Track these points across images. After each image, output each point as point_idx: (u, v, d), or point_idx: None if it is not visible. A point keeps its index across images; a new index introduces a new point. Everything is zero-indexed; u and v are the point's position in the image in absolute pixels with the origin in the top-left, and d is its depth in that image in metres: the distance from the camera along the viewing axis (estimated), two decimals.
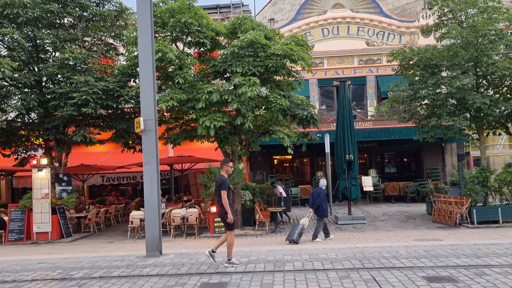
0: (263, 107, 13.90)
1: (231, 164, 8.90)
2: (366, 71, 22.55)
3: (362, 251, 9.40)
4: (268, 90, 14.04)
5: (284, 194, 15.98)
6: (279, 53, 13.19)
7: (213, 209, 13.92)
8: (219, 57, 14.18)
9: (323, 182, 12.62)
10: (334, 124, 17.56)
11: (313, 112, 15.06)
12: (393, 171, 24.24)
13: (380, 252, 9.10)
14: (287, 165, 24.88)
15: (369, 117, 21.78)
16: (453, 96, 14.34)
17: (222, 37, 14.56)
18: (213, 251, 8.50)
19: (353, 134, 15.13)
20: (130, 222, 14.57)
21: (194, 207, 15.69)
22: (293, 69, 14.46)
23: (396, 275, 7.11)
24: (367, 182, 17.36)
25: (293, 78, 14.82)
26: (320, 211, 11.82)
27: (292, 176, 23.06)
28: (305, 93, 20.06)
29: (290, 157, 22.69)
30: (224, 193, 8.16)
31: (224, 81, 13.78)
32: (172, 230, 14.28)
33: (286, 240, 11.57)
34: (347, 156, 14.87)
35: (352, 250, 9.63)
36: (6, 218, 14.86)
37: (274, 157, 23.95)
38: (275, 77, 14.44)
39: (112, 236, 14.95)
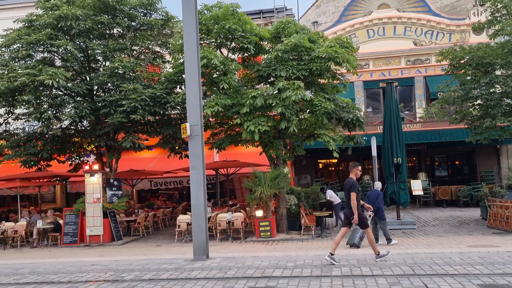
0: (308, 110, 13.80)
1: (359, 167, 9.25)
2: (414, 72, 21.90)
3: (413, 257, 9.09)
4: (312, 93, 13.94)
5: (334, 199, 15.34)
6: (323, 56, 13.07)
7: (258, 213, 13.99)
8: (263, 61, 14.23)
9: (378, 185, 12.61)
10: (381, 126, 17.15)
11: (358, 115, 14.80)
12: (444, 174, 23.35)
13: (431, 259, 8.75)
14: (333, 169, 24.55)
15: (417, 119, 21.11)
16: (508, 96, 13.67)
17: (266, 42, 14.62)
18: (331, 254, 8.63)
19: (401, 136, 14.71)
20: (177, 226, 14.83)
21: (240, 212, 15.77)
22: (338, 71, 14.29)
23: (450, 282, 6.81)
24: (417, 186, 16.77)
25: (338, 81, 14.63)
26: (380, 213, 11.66)
27: (338, 180, 22.72)
28: (351, 96, 19.74)
29: (336, 160, 22.38)
30: (353, 195, 8.61)
31: (268, 85, 13.81)
32: (218, 234, 14.41)
33: (347, 244, 11.35)
34: (395, 159, 14.47)
35: (402, 256, 9.34)
36: (61, 221, 15.54)
37: (319, 161, 23.70)
38: (320, 80, 14.32)
39: (160, 240, 15.28)
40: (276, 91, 12.93)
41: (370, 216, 11.51)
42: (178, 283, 7.68)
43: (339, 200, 15.12)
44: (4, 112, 16.45)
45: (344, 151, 15.48)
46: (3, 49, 15.39)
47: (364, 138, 16.02)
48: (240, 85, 13.90)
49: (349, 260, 8.98)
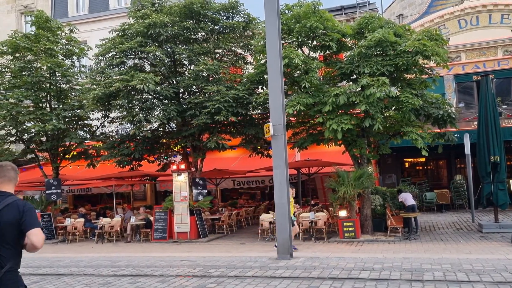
0: (394, 107, 13.27)
1: None
2: None
3: None
4: (398, 89, 13.37)
5: (409, 202, 14.01)
6: (410, 50, 12.49)
7: (342, 213, 13.70)
8: (345, 58, 13.93)
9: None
10: (475, 122, 15.96)
11: (449, 111, 13.92)
12: None
13: None
14: (420, 168, 23.35)
15: None
16: None
17: (348, 39, 14.29)
18: None
19: (498, 133, 13.58)
20: (260, 225, 15.00)
21: (322, 211, 15.57)
22: (426, 66, 13.56)
23: None
24: None
25: (426, 76, 13.88)
26: None
27: (426, 180, 21.56)
28: (440, 91, 18.64)
29: (424, 159, 21.26)
30: None
31: (351, 83, 13.48)
32: (300, 234, 14.34)
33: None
34: (492, 157, 13.39)
35: (502, 261, 8.61)
36: (152, 218, 16.42)
37: (405, 159, 22.67)
38: (406, 75, 13.69)
39: (243, 238, 15.55)
40: (360, 89, 12.59)
41: None
42: (264, 281, 7.74)
43: (412, 203, 14.05)
44: (101, 116, 17.74)
45: (433, 150, 14.64)
46: (100, 57, 16.60)
47: (456, 135, 15.04)
48: (322, 84, 13.73)
49: (442, 264, 8.47)
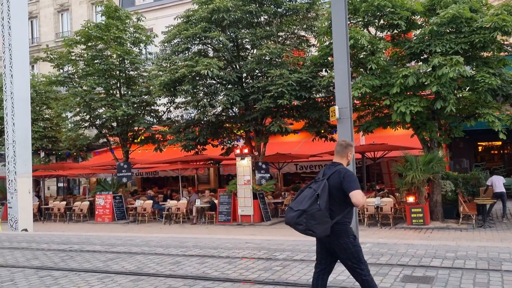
0: (468, 88, 12.50)
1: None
2: None
3: None
4: (473, 69, 12.56)
5: (498, 189, 13.29)
6: (487, 26, 11.65)
7: (410, 199, 13.23)
8: (415, 37, 13.28)
9: None
10: None
11: None
12: None
13: None
14: (496, 152, 21.95)
15: None
16: None
17: (418, 16, 13.58)
18: None
19: None
20: None
21: (388, 197, 15.14)
22: (505, 42, 12.60)
23: None
24: None
25: (506, 53, 12.91)
26: None
27: (503, 165, 20.21)
28: None
29: (500, 143, 19.95)
30: None
31: (421, 63, 12.86)
32: (366, 219, 14.05)
33: None
34: None
35: None
36: (216, 201, 16.79)
37: (479, 143, 21.41)
38: (482, 53, 12.82)
39: None
40: (430, 69, 11.97)
41: None
42: None
43: (501, 190, 13.18)
44: (167, 101, 18.28)
45: None
46: (165, 44, 17.03)
47: None
48: (389, 65, 13.20)
49: None
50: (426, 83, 11.82)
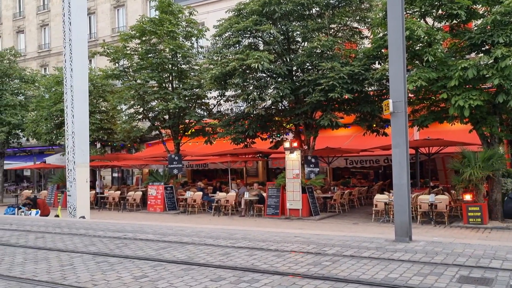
0: None
1: None
2: None
3: None
4: None
5: None
6: None
7: (467, 197, 12.66)
8: (475, 28, 12.62)
9: None
10: None
11: None
12: None
13: None
14: None
15: None
16: None
17: (480, 5, 12.89)
18: None
19: None
20: (374, 205, 14.54)
21: (443, 194, 14.56)
22: None
23: None
24: None
25: None
26: None
27: None
28: None
29: None
30: None
31: (481, 54, 12.22)
32: (419, 217, 13.61)
33: None
34: None
35: None
36: (264, 194, 16.83)
37: None
38: None
39: (356, 218, 15.22)
40: (492, 60, 11.35)
41: None
42: (381, 263, 7.46)
43: None
44: (218, 94, 18.50)
45: None
46: (217, 38, 17.19)
47: None
48: (447, 56, 12.63)
49: None
50: (487, 75, 11.26)
